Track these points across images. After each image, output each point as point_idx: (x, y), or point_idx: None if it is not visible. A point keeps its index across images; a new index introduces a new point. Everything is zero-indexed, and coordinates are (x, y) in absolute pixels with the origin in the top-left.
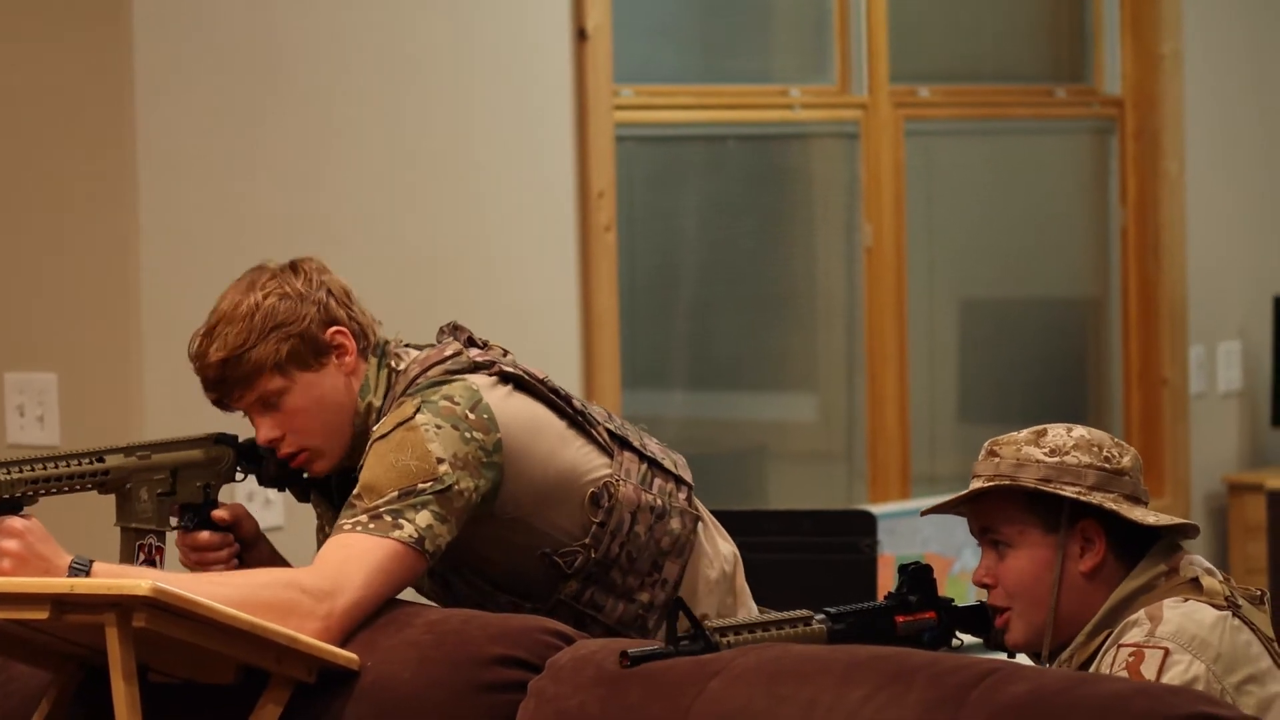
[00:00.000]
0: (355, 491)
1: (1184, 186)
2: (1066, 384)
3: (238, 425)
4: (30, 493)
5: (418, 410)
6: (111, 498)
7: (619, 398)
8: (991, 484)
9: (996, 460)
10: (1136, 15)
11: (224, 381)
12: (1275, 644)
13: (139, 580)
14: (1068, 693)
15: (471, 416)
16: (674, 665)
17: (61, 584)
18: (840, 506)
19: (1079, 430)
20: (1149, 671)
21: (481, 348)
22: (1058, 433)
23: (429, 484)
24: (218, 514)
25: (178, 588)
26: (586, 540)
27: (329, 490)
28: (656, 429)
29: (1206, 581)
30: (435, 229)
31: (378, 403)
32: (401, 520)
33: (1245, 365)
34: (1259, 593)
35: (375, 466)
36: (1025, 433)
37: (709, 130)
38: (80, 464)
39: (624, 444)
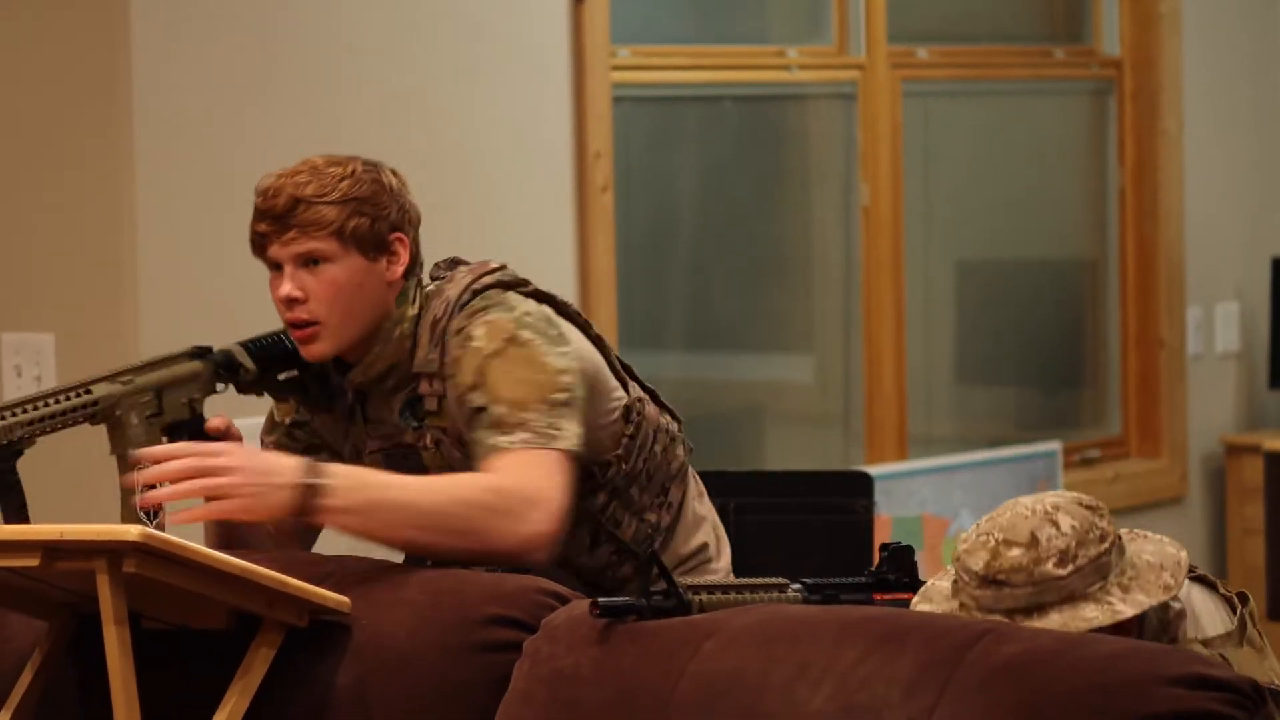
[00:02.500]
0: (497, 412)
1: (1182, 147)
2: (1063, 345)
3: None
4: (27, 434)
5: (519, 326)
6: (102, 429)
7: None
8: (1024, 619)
9: (1009, 590)
10: None
11: (285, 219)
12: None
13: (128, 526)
14: (1063, 654)
15: (553, 332)
16: (668, 626)
17: (51, 530)
18: (837, 468)
19: (1064, 520)
20: None
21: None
22: (1049, 534)
23: (561, 394)
24: (213, 424)
25: (384, 487)
26: (619, 451)
27: (308, 396)
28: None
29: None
30: (432, 190)
31: (412, 311)
32: (553, 430)
33: (1243, 326)
34: (1242, 615)
35: (505, 382)
36: (1019, 550)
37: (706, 91)
38: (69, 398)
39: (630, 374)
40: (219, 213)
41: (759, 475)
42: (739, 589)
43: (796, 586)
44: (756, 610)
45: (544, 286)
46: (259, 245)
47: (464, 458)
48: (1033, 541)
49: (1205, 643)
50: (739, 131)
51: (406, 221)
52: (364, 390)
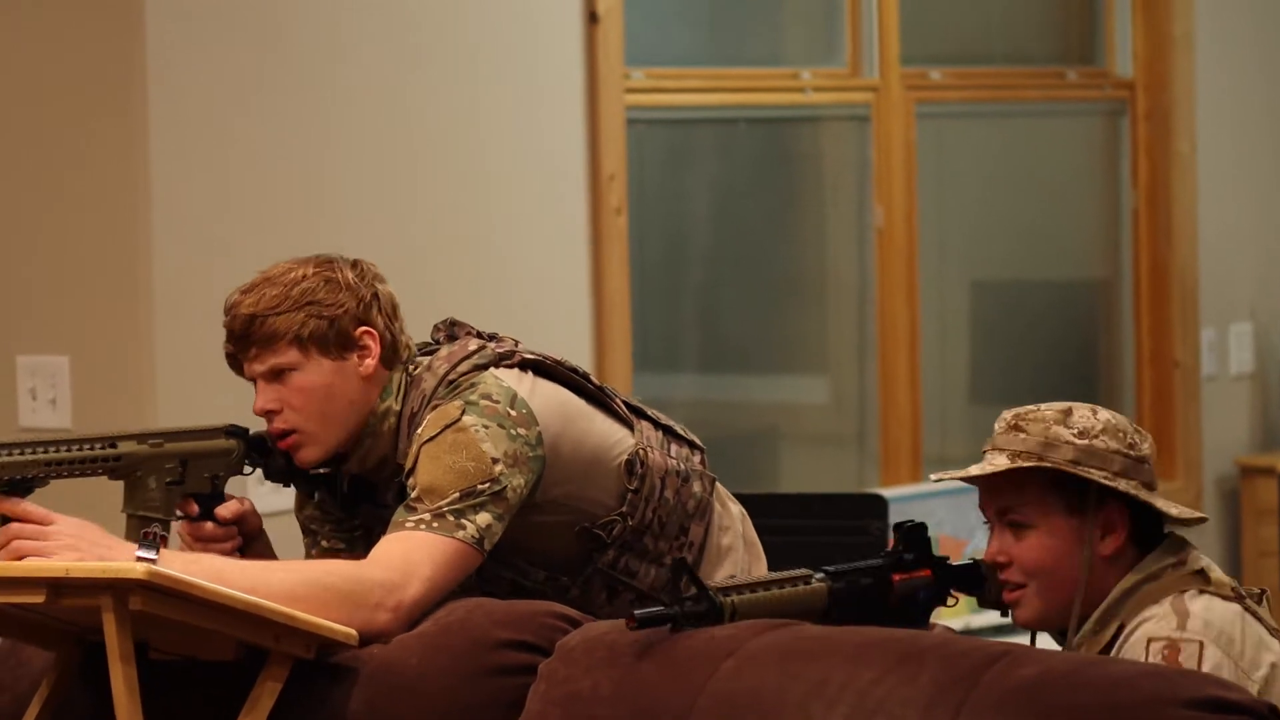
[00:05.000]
0: (415, 494)
1: (1195, 168)
2: (1078, 366)
3: (247, 417)
4: (42, 474)
5: (463, 412)
6: (118, 484)
7: (630, 380)
8: (1022, 463)
9: (1023, 436)
10: None
11: (246, 337)
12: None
13: (133, 564)
14: (1077, 674)
15: (513, 413)
16: (686, 646)
17: (57, 568)
18: (851, 489)
19: (1104, 414)
20: (1188, 664)
21: (492, 340)
22: (1084, 414)
23: (487, 484)
24: (221, 511)
25: (241, 573)
26: (624, 509)
27: (336, 492)
28: (667, 411)
29: (1214, 574)
30: (446, 212)
31: (397, 406)
32: (464, 520)
33: (1257, 347)
34: (1259, 592)
35: (433, 469)
36: (1051, 410)
37: (720, 113)
38: (93, 449)
39: (640, 414)
40: (234, 234)
41: (773, 497)
42: (765, 584)
43: (820, 575)
44: (775, 630)
45: (558, 309)
46: (234, 364)
47: None
48: (1067, 412)
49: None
50: (753, 154)
51: (374, 312)
52: (370, 479)
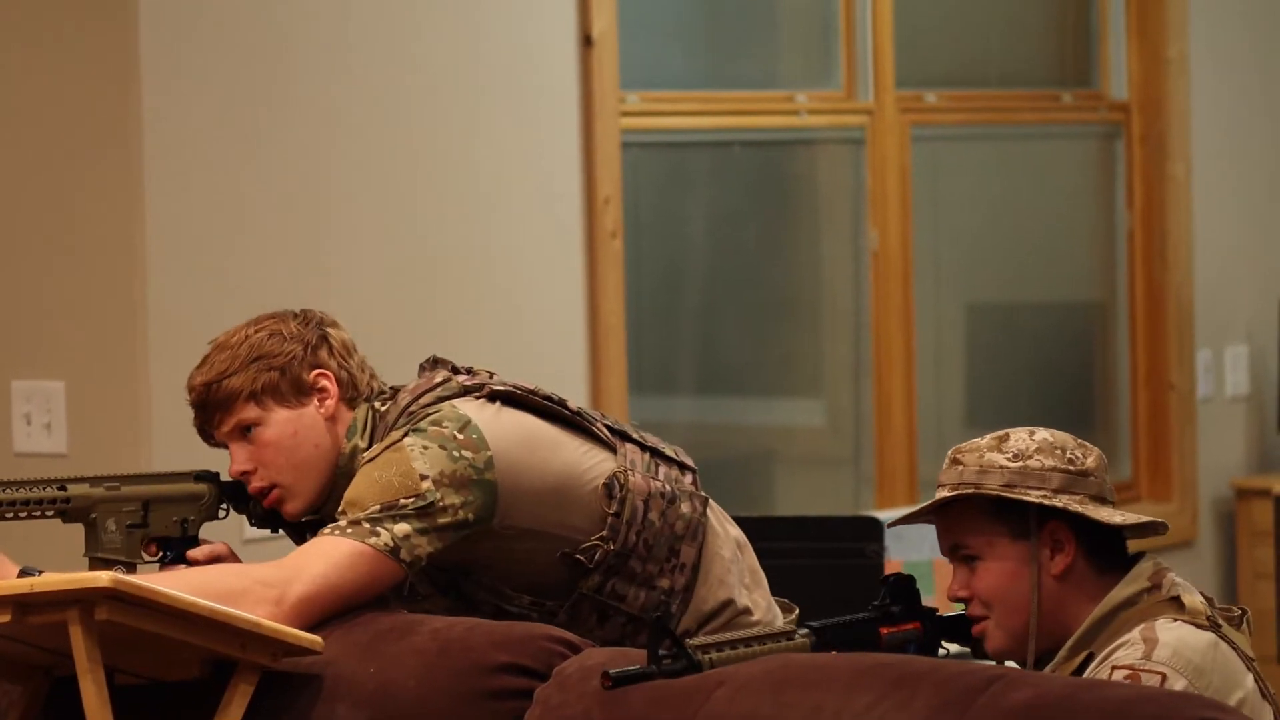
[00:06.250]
0: (342, 508)
1: (1190, 190)
2: (1073, 388)
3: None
4: None
5: (405, 434)
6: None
7: (626, 404)
8: (955, 493)
9: (960, 469)
10: (1143, 19)
11: (204, 406)
12: (1255, 664)
13: (99, 573)
14: (1073, 698)
15: (460, 437)
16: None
17: (22, 584)
18: (847, 512)
19: (1041, 433)
20: None
21: (467, 374)
22: (1020, 437)
23: (411, 499)
24: (194, 554)
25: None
26: (604, 533)
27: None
28: (664, 434)
29: (1189, 600)
30: (441, 235)
31: (364, 444)
32: (379, 529)
33: (1252, 369)
34: (1239, 612)
35: (359, 484)
36: (987, 439)
37: (715, 136)
38: (41, 490)
39: (624, 437)
40: (230, 259)
41: (769, 520)
42: (746, 641)
43: (803, 631)
44: (767, 658)
45: (553, 333)
46: (204, 436)
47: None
48: (1003, 439)
49: (1206, 601)
50: (748, 177)
51: (324, 354)
52: None
